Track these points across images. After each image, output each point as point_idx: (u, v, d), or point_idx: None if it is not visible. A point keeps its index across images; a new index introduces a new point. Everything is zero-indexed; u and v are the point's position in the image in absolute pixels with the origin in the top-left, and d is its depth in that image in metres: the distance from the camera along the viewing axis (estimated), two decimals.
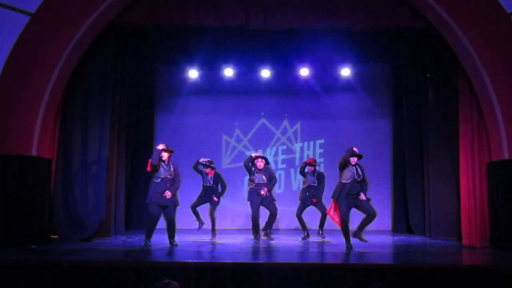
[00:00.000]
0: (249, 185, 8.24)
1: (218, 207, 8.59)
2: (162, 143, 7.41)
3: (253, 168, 8.22)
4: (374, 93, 11.47)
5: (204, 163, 8.48)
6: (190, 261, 5.53)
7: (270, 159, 11.73)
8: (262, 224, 8.20)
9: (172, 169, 7.35)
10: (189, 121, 11.59)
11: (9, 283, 5.11)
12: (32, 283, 5.11)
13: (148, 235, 7.27)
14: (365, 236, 7.09)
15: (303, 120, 11.67)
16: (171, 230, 7.36)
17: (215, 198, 8.36)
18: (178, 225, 10.77)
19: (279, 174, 11.34)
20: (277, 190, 11.50)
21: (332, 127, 11.56)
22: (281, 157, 11.64)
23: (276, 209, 8.09)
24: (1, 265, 5.32)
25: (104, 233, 8.35)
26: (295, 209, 8.79)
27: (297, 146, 11.63)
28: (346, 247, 6.92)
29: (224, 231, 9.82)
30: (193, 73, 10.79)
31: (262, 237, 8.05)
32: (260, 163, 8.18)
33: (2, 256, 5.83)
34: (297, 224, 8.88)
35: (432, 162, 9.04)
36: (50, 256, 6.16)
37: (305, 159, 11.53)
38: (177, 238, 8.35)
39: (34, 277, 5.16)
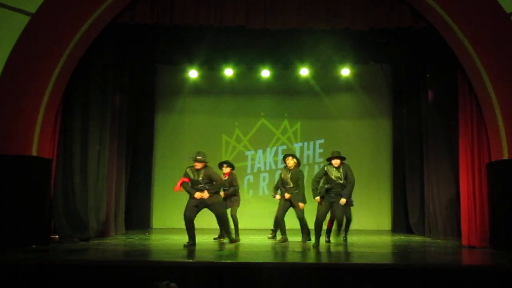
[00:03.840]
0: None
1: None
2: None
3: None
4: (374, 93, 11.49)
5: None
6: (190, 261, 5.53)
7: (270, 159, 11.77)
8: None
9: None
10: (189, 121, 11.61)
11: (9, 283, 5.11)
12: (32, 283, 5.11)
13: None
14: None
15: (303, 120, 11.68)
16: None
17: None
18: (179, 225, 10.88)
19: (279, 174, 11.32)
20: None
21: (332, 127, 11.57)
22: (281, 157, 11.63)
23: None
24: (1, 265, 5.32)
25: (104, 233, 8.36)
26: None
27: (297, 146, 11.64)
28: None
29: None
30: (193, 73, 10.82)
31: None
32: (290, 162, 7.92)
33: (2, 256, 5.83)
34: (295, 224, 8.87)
35: (432, 162, 9.05)
36: (50, 256, 6.15)
37: (305, 159, 11.58)
38: (178, 238, 8.38)
39: (34, 277, 5.16)
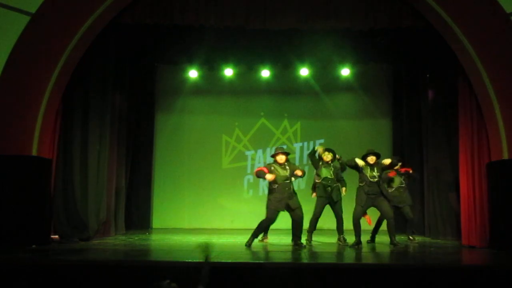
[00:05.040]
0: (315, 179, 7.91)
1: None
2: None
3: (320, 162, 7.87)
4: (374, 93, 11.48)
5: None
6: (190, 261, 5.53)
7: (270, 159, 11.74)
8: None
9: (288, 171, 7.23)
10: (189, 121, 11.61)
11: (9, 283, 5.11)
12: (32, 283, 5.11)
13: (256, 235, 7.22)
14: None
15: (303, 120, 11.68)
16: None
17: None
18: (179, 225, 10.91)
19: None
20: None
21: (332, 127, 11.57)
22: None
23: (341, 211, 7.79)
24: (1, 265, 5.32)
25: (104, 233, 8.36)
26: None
27: (297, 146, 11.63)
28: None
29: (224, 231, 9.83)
30: (193, 73, 10.83)
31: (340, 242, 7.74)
32: (328, 156, 7.81)
33: (2, 256, 5.83)
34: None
35: (432, 162, 9.05)
36: (50, 256, 6.16)
37: (305, 159, 11.54)
38: (178, 238, 8.39)
39: (34, 277, 5.16)
